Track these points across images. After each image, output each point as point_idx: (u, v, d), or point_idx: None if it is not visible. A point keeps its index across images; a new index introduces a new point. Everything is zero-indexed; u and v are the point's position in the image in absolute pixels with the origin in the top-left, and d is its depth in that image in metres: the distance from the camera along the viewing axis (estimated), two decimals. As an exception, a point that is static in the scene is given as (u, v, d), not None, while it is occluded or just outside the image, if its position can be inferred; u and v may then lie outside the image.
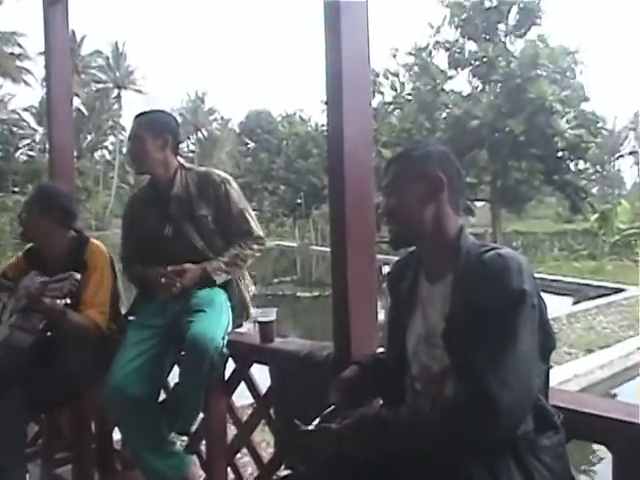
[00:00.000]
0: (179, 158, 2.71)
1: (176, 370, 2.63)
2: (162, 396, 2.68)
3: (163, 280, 2.51)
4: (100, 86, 53.56)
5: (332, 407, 1.62)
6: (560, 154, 23.17)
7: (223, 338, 2.43)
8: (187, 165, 2.72)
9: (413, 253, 1.70)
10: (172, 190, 2.64)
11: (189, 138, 56.85)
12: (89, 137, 52.07)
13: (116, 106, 54.26)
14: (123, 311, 2.86)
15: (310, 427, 1.54)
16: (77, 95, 45.97)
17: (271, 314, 2.49)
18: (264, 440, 4.03)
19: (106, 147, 55.28)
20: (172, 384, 2.67)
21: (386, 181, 1.62)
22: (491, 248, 1.45)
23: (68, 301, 2.51)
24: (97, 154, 54.63)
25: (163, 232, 2.64)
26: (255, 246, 2.68)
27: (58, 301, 2.47)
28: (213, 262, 2.60)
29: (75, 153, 3.77)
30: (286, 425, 2.19)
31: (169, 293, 2.52)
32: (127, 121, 50.94)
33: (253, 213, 2.77)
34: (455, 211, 1.57)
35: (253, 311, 2.73)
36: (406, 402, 1.60)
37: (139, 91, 54.66)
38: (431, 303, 1.57)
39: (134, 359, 2.51)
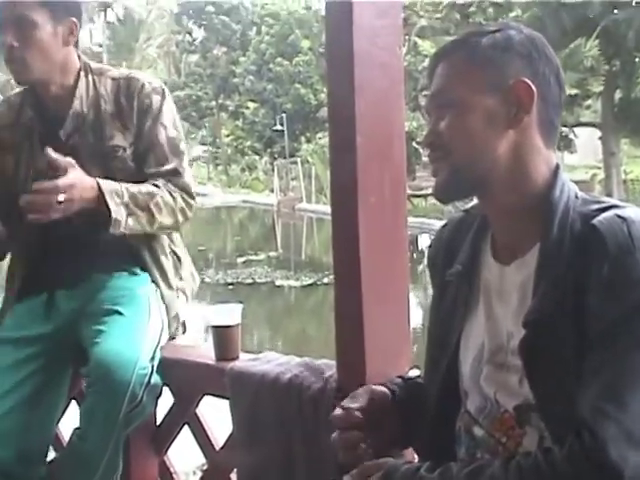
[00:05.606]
0: (81, 54, 2.69)
1: (74, 411, 2.63)
2: (51, 454, 2.69)
3: (29, 197, 2.36)
4: None
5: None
6: None
7: (153, 358, 2.45)
8: (97, 67, 2.72)
9: (471, 212, 1.71)
10: (70, 106, 2.62)
11: (92, 22, 56.35)
12: None
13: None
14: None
15: None
16: None
17: (234, 314, 2.50)
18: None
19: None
20: (69, 434, 2.66)
21: (432, 90, 1.61)
22: (606, 207, 1.46)
23: None
24: None
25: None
26: (181, 197, 2.62)
27: None
28: (113, 183, 2.50)
29: None
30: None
31: (45, 215, 2.37)
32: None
33: (187, 159, 2.73)
34: (548, 143, 1.57)
35: (203, 310, 2.74)
36: (457, 457, 1.62)
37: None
38: (502, 296, 1.58)
39: None
